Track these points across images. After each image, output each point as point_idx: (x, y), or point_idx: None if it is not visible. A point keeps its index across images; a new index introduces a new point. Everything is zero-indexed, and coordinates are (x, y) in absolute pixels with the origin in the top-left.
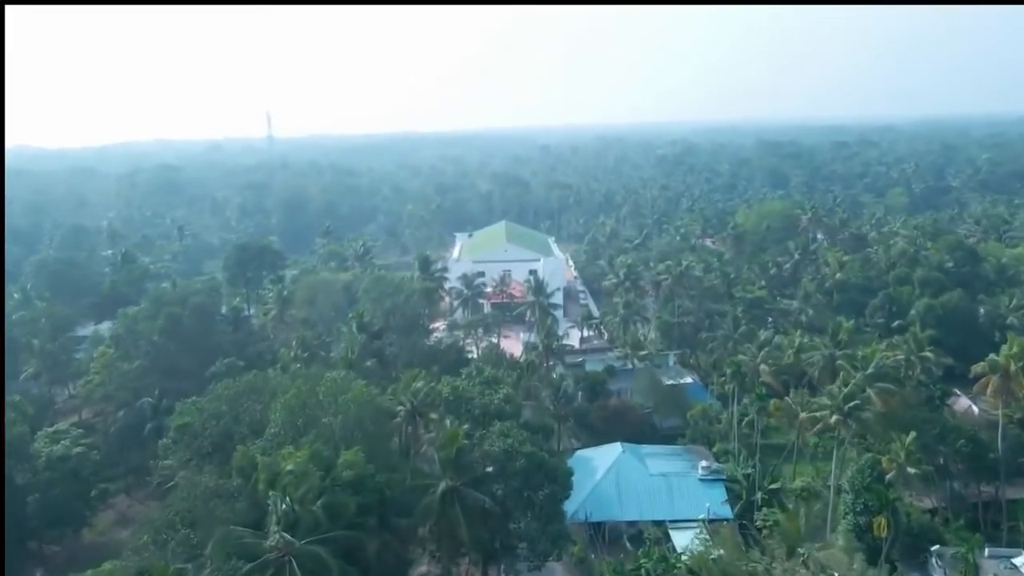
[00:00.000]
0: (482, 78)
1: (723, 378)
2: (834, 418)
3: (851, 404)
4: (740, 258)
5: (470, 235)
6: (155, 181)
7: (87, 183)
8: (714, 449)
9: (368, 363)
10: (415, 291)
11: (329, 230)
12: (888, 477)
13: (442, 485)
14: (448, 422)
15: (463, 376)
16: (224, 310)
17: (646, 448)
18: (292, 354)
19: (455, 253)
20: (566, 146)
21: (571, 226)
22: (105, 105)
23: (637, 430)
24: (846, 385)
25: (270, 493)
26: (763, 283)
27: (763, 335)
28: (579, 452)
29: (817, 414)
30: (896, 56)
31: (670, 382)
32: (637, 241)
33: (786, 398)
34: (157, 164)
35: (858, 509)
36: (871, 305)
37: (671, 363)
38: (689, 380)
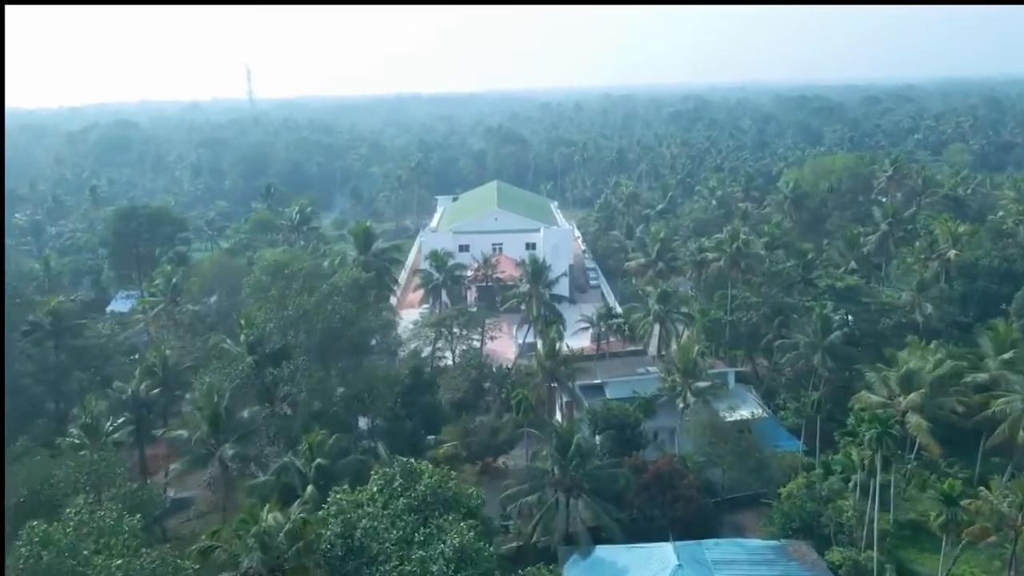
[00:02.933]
0: (481, 39)
1: (851, 439)
2: None
3: None
4: (797, 228)
5: (455, 199)
6: (106, 140)
7: (34, 142)
8: (830, 557)
9: (246, 412)
10: (336, 287)
11: (271, 192)
12: None
13: None
14: None
15: (376, 484)
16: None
17: (713, 549)
18: (130, 390)
19: (434, 222)
20: (569, 103)
21: (577, 188)
22: (92, 65)
23: (694, 508)
24: None
25: None
26: (853, 265)
27: (908, 361)
28: (601, 551)
29: None
30: (894, 22)
31: (734, 417)
32: (661, 206)
33: (986, 495)
34: (115, 121)
35: None
36: (1017, 299)
37: (730, 382)
38: (764, 414)
